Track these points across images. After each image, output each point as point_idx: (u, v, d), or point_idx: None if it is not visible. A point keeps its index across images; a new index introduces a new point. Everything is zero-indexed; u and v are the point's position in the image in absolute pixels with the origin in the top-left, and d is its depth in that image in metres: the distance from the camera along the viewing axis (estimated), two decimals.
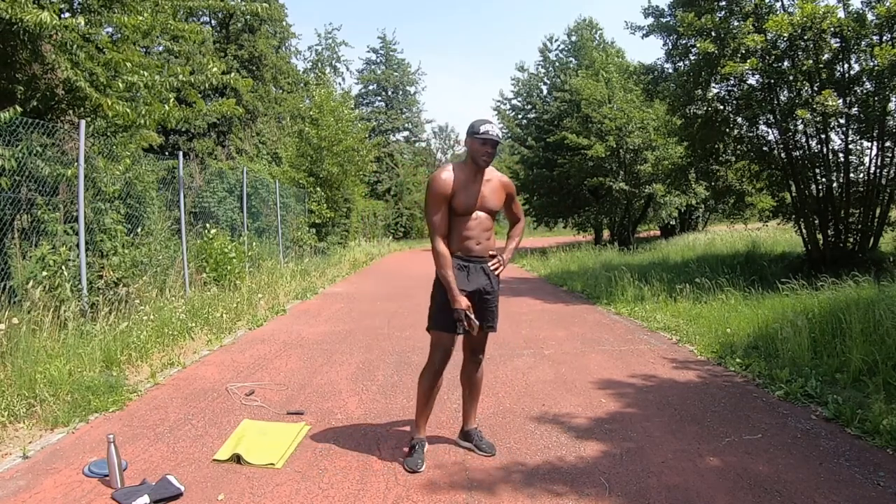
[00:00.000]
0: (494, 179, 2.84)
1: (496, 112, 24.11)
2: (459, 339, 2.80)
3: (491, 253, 2.84)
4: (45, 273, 4.53)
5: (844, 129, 7.61)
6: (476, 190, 2.74)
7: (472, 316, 2.65)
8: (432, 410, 2.95)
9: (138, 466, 2.77)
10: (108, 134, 5.58)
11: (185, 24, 6.02)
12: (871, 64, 6.74)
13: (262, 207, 10.70)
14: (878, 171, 7.54)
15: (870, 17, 6.94)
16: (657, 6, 8.98)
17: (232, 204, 9.57)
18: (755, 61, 7.21)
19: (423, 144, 41.50)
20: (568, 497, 2.44)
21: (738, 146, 8.85)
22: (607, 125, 15.96)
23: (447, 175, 2.70)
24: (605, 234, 20.40)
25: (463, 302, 2.65)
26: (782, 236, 11.70)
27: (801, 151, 8.12)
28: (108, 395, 3.65)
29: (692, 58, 8.39)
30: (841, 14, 7.07)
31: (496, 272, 2.84)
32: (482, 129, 2.67)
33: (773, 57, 7.44)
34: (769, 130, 8.52)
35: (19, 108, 4.40)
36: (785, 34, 6.99)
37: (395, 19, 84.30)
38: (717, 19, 7.76)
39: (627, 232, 18.08)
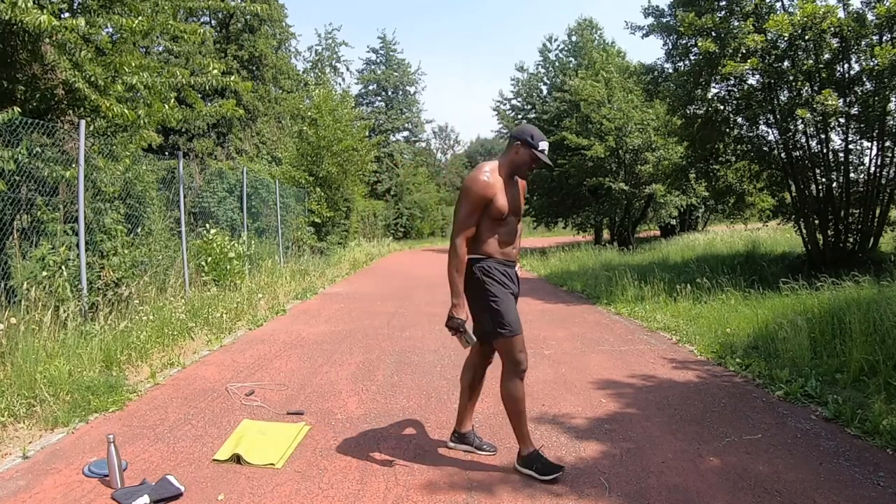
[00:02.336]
0: (518, 181, 2.82)
1: (496, 112, 24.11)
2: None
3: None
4: (44, 273, 4.53)
5: (844, 128, 7.61)
6: (513, 194, 2.70)
7: (469, 331, 2.57)
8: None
9: (138, 466, 2.77)
10: (108, 134, 5.58)
11: (185, 25, 6.01)
12: (871, 64, 6.74)
13: (262, 207, 10.70)
14: (878, 171, 7.54)
15: (870, 17, 6.94)
16: (657, 6, 8.98)
17: (232, 204, 9.57)
18: (755, 61, 7.21)
19: (423, 144, 41.53)
20: (568, 497, 2.44)
21: (738, 146, 8.85)
22: (607, 125, 15.96)
23: (490, 178, 2.58)
24: (605, 234, 20.39)
25: (465, 312, 2.59)
26: (782, 236, 11.71)
27: (801, 151, 8.12)
28: (107, 395, 3.66)
29: (692, 58, 8.39)
30: (841, 14, 7.07)
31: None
32: (542, 145, 2.61)
33: (774, 57, 7.43)
34: (769, 130, 8.52)
35: (18, 109, 4.40)
36: (785, 34, 6.99)
37: (395, 19, 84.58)
38: (718, 19, 7.76)
39: (627, 232, 18.07)
